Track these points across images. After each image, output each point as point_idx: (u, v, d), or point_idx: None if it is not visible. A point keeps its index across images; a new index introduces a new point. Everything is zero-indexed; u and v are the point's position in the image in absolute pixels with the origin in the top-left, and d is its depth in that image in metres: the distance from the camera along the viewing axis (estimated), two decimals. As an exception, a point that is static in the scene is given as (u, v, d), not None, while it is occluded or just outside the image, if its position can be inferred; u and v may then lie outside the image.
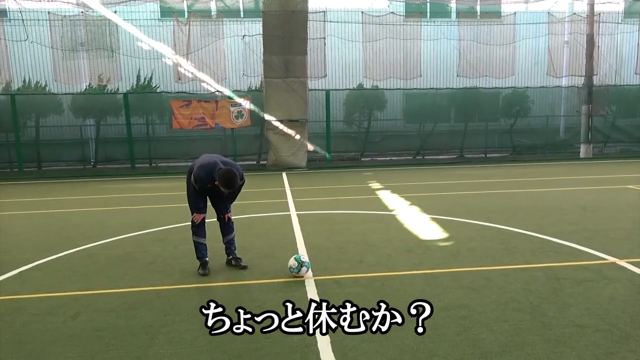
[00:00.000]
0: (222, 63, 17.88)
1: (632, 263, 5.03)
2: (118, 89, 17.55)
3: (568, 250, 5.58)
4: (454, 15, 20.71)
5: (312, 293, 4.37)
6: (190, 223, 5.14)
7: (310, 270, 4.86)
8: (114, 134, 17.70)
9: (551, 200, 8.90)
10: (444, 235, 6.46)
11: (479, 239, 6.20)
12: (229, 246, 5.31)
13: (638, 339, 3.37)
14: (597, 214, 7.58)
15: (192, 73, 17.13)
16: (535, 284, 4.49)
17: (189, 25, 17.17)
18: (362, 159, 18.34)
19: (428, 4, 20.65)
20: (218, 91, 17.09)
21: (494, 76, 19.19)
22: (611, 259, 5.20)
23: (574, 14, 19.08)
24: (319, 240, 6.31)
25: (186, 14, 18.02)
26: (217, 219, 5.26)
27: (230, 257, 5.30)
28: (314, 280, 4.72)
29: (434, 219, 7.45)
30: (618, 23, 20.00)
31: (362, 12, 18.45)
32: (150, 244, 6.35)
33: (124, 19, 17.20)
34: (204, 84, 17.45)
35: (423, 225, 7.05)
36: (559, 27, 19.79)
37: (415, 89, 18.51)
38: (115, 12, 16.83)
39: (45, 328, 3.80)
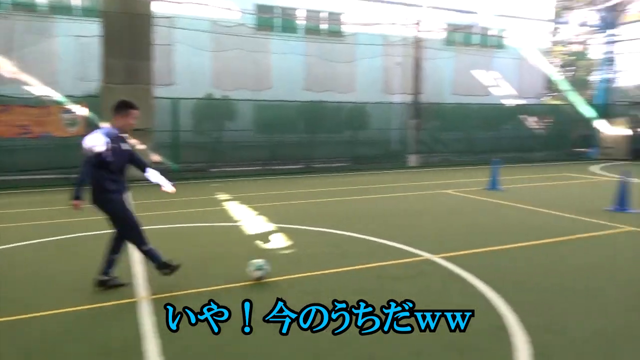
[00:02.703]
0: (52, 65, 16.09)
1: (444, 258, 5.83)
2: None
3: (394, 251, 6.25)
4: (301, 31, 21.74)
5: (146, 315, 4.18)
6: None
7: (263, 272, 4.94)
8: None
9: (383, 206, 9.86)
10: (287, 243, 6.70)
11: (318, 245, 6.58)
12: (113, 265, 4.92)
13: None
14: (421, 218, 8.63)
15: (13, 73, 15.05)
16: (364, 282, 4.94)
17: (11, 19, 15.13)
18: (212, 170, 18.02)
19: (279, 19, 21.35)
20: (46, 95, 15.27)
21: (337, 91, 20.57)
22: (427, 255, 5.97)
23: (404, 38, 21.46)
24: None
25: (8, 6, 15.86)
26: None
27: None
28: (151, 299, 4.52)
29: (278, 228, 7.68)
30: (439, 49, 23.04)
31: (213, 22, 18.29)
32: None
33: None
34: (28, 87, 15.44)
35: (267, 235, 7.22)
36: (393, 50, 22.08)
37: (265, 100, 18.85)
38: None
39: None
